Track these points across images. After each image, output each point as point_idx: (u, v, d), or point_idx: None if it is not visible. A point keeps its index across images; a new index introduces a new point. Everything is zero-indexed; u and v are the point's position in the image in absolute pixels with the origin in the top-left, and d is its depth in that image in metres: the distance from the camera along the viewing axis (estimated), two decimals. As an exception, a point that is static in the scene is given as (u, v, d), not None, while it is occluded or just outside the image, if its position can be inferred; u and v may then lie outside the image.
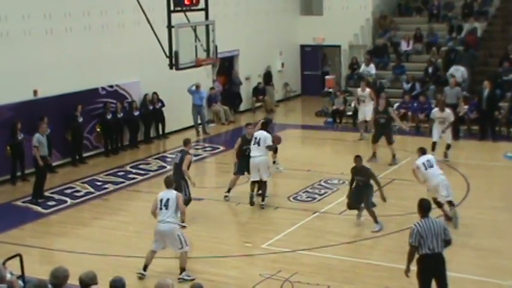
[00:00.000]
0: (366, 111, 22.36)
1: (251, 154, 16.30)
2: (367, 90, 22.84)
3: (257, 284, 11.95)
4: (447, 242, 10.10)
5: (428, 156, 14.81)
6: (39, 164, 17.23)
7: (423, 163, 14.45)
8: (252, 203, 16.21)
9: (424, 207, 10.17)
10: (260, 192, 16.41)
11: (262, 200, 16.28)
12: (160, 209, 12.19)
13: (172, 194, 12.28)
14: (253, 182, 16.34)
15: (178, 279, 12.02)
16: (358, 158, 14.74)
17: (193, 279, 11.68)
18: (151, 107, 22.76)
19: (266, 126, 17.36)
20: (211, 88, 25.87)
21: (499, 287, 10.46)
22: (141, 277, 12.28)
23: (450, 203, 14.43)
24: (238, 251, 13.57)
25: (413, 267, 10.30)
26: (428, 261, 9.97)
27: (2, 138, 18.30)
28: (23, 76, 18.97)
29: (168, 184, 12.57)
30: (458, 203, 15.91)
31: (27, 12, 19.15)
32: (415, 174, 14.67)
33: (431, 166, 14.41)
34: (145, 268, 12.37)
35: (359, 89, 23.22)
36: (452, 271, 11.63)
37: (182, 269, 12.20)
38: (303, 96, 31.31)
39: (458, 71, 25.06)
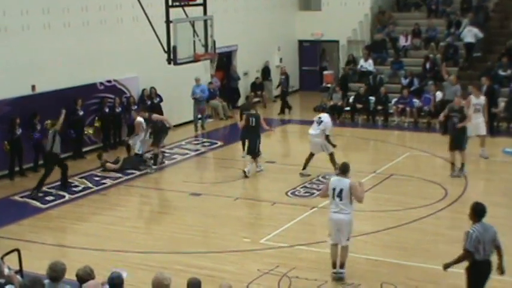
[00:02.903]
0: (480, 124, 19.27)
1: (309, 131, 17.96)
2: (482, 97, 19.57)
3: (255, 279, 11.95)
4: (497, 248, 9.53)
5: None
6: (51, 157, 17.36)
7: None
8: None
9: (479, 212, 9.50)
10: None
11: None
12: (333, 198, 11.71)
13: (345, 183, 11.63)
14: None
15: (334, 273, 11.82)
16: None
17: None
18: (149, 102, 22.72)
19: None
20: (210, 83, 25.85)
21: (499, 283, 10.46)
22: (336, 275, 11.87)
23: None
24: (236, 246, 13.57)
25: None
26: (483, 268, 9.46)
27: (0, 134, 18.26)
28: (21, 71, 18.95)
29: (345, 170, 11.87)
30: (456, 198, 15.95)
31: (25, 8, 19.12)
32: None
33: None
34: (334, 265, 11.93)
35: (472, 96, 19.56)
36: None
37: (342, 264, 11.90)
38: (301, 92, 31.32)
39: (471, 32, 25.25)
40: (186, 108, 24.22)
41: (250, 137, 18.75)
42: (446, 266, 9.83)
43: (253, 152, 18.62)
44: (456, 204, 15.52)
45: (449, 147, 17.89)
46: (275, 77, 28.99)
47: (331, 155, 17.88)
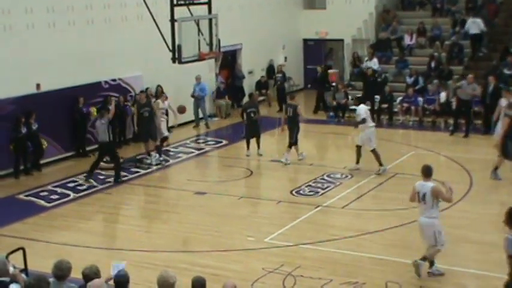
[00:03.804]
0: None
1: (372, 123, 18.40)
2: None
3: (260, 278, 11.95)
4: None
5: None
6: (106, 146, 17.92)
7: None
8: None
9: None
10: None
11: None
12: (419, 201, 11.65)
13: (428, 187, 11.48)
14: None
15: (428, 272, 11.77)
16: None
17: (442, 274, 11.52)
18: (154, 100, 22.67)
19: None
20: (222, 82, 25.98)
21: (502, 282, 10.43)
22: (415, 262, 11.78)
23: None
24: (240, 245, 13.57)
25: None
26: None
27: (5, 132, 18.28)
28: (26, 70, 18.97)
29: (427, 173, 11.71)
30: (461, 197, 15.91)
31: (30, 6, 19.14)
32: None
33: None
34: (432, 264, 11.79)
35: (503, 99, 19.10)
36: (455, 265, 11.65)
37: (431, 262, 11.81)
38: (306, 90, 31.29)
39: (475, 23, 25.35)
40: (191, 107, 24.21)
41: (289, 126, 19.33)
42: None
43: (294, 141, 19.20)
44: (461, 203, 15.48)
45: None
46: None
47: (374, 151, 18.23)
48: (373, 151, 18.16)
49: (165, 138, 20.32)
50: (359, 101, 19.08)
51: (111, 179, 18.27)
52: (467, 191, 16.49)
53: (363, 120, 18.17)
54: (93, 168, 18.14)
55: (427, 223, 11.56)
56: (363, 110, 18.38)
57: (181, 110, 19.24)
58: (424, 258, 11.71)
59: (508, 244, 9.22)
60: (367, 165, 18.74)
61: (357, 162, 18.45)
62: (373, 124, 18.49)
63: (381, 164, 18.13)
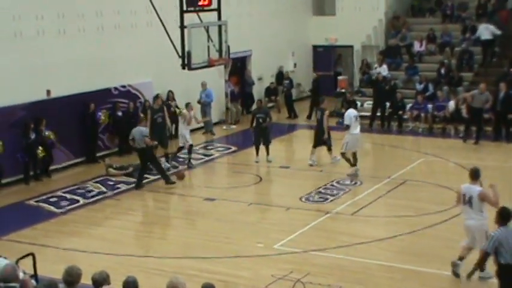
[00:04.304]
0: None
1: (356, 131, 18.52)
2: None
3: (269, 285, 11.93)
4: None
5: None
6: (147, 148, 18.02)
7: None
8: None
9: (504, 216, 9.78)
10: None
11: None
12: (464, 204, 11.55)
13: (475, 191, 11.40)
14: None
15: (453, 261, 11.79)
16: None
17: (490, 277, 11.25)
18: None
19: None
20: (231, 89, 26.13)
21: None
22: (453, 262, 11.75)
23: None
24: (250, 251, 13.55)
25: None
26: (508, 271, 9.56)
27: (15, 138, 18.35)
28: (36, 76, 19.05)
29: (474, 176, 11.60)
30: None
31: (40, 13, 19.22)
32: None
33: None
34: (460, 258, 11.77)
35: None
36: (463, 271, 11.58)
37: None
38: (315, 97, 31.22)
39: (488, 29, 25.37)
40: (199, 113, 24.23)
41: (316, 129, 19.92)
42: (469, 275, 10.04)
43: (325, 142, 19.59)
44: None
45: None
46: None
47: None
48: (343, 155, 18.62)
49: (182, 148, 20.30)
50: (349, 105, 19.12)
51: (120, 186, 18.31)
52: (477, 198, 16.39)
53: (347, 127, 18.43)
54: (142, 178, 18.19)
55: (476, 225, 11.46)
56: (348, 116, 18.55)
57: (181, 176, 19.02)
58: (461, 258, 11.69)
59: (487, 240, 9.72)
60: (377, 172, 18.74)
61: (354, 164, 18.69)
62: (356, 132, 18.57)
63: (354, 165, 18.62)
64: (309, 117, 26.66)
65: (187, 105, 20.59)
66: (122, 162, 20.13)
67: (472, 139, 21.92)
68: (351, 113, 18.64)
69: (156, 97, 21.02)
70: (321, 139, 19.65)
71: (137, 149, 18.19)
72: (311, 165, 19.54)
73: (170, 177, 18.21)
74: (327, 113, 19.62)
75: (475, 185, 11.52)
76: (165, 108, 20.39)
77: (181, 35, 16.65)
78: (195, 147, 21.22)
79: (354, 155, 18.70)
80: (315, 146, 19.80)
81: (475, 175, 11.61)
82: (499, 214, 9.83)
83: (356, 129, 18.56)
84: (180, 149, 20.35)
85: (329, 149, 19.80)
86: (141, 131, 18.00)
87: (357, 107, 23.97)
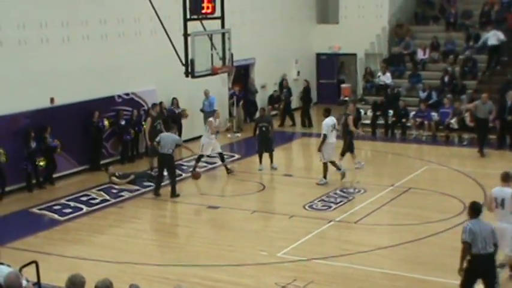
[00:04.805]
0: None
1: (333, 140, 18.57)
2: None
3: (272, 293, 11.91)
4: (495, 245, 10.28)
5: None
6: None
7: None
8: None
9: (475, 210, 10.36)
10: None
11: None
12: (497, 207, 11.68)
13: (507, 193, 11.53)
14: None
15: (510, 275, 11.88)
16: None
17: None
18: (168, 113, 22.71)
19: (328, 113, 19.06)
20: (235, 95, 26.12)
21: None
22: None
23: None
24: (253, 259, 13.53)
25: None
26: (478, 260, 10.16)
27: (19, 146, 18.36)
28: (40, 84, 19.08)
29: (506, 178, 11.67)
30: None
31: (44, 20, 19.26)
32: None
33: None
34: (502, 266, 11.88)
35: None
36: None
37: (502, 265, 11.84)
38: (319, 105, 31.24)
39: (496, 35, 25.56)
40: (201, 122, 24.24)
41: (343, 135, 19.93)
42: (460, 270, 10.33)
43: (348, 148, 19.72)
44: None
45: None
46: (293, 90, 28.97)
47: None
48: (325, 164, 18.55)
49: (220, 155, 20.28)
50: (328, 113, 19.06)
51: (124, 193, 18.32)
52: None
53: (324, 136, 18.42)
54: (160, 183, 18.17)
55: (509, 228, 11.55)
56: (326, 125, 18.61)
57: (197, 176, 18.97)
58: (501, 265, 11.70)
59: (463, 231, 10.18)
60: (380, 180, 18.71)
61: (324, 176, 18.68)
62: (333, 141, 18.60)
63: (324, 177, 18.56)
64: (303, 124, 26.89)
65: (214, 112, 20.57)
66: (125, 170, 20.12)
67: (475, 147, 21.82)
68: (329, 121, 18.68)
69: (155, 104, 21.07)
70: (350, 145, 19.77)
71: (162, 154, 18.01)
72: (342, 171, 19.29)
73: (176, 191, 18.12)
74: (351, 117, 19.79)
75: (507, 188, 11.62)
76: (165, 115, 20.39)
77: (185, 43, 16.66)
78: (195, 155, 21.20)
79: (333, 163, 18.71)
80: (343, 152, 19.84)
81: (507, 178, 11.73)
82: (471, 208, 10.39)
83: (332, 138, 18.60)
84: (200, 157, 20.15)
85: (352, 152, 19.94)
86: (174, 139, 18.08)
87: (360, 116, 24.10)
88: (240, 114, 26.50)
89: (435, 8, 30.64)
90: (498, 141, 22.35)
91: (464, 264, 10.27)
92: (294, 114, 27.53)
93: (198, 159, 20.13)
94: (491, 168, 19.89)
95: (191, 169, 20.02)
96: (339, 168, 18.70)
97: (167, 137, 18.02)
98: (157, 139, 18.16)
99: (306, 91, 27.83)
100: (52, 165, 19.25)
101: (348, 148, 19.84)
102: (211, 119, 20.33)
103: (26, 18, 18.76)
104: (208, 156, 20.37)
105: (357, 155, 20.27)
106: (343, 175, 18.65)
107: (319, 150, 18.59)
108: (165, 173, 18.28)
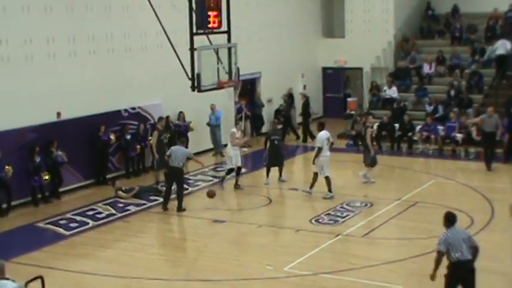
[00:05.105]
0: None
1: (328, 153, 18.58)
2: None
3: (279, 308, 11.85)
4: (474, 249, 10.65)
5: None
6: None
7: None
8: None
9: (450, 219, 10.77)
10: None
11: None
12: None
13: None
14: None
15: None
16: None
17: None
18: (176, 127, 22.72)
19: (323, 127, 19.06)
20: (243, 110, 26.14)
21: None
22: None
23: None
24: (259, 273, 13.48)
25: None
26: (457, 267, 10.56)
27: (26, 160, 18.37)
28: (47, 98, 19.13)
29: None
30: (483, 226, 15.74)
31: (51, 36, 19.32)
32: None
33: None
34: None
35: None
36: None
37: None
38: (325, 119, 31.19)
39: (504, 45, 25.67)
40: (208, 136, 24.28)
41: (364, 147, 20.21)
42: (432, 276, 10.82)
43: (371, 160, 19.89)
44: (482, 232, 15.31)
45: None
46: (299, 104, 29.02)
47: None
48: (326, 178, 18.55)
49: (238, 169, 20.12)
50: (322, 127, 19.08)
51: (130, 208, 18.31)
52: (488, 220, 16.31)
53: (319, 149, 18.41)
54: (168, 197, 18.13)
55: None
56: (321, 138, 18.62)
57: (211, 195, 18.88)
58: None
59: (438, 241, 10.64)
60: (387, 193, 18.65)
61: (311, 187, 18.81)
62: (327, 154, 18.60)
63: (329, 190, 18.54)
64: (304, 140, 27.04)
65: (237, 124, 20.62)
66: (131, 184, 20.12)
67: (481, 160, 21.74)
68: (323, 135, 18.69)
69: (161, 118, 21.11)
70: (368, 157, 19.85)
71: (173, 167, 17.99)
72: (365, 182, 19.69)
73: (183, 205, 18.08)
74: (369, 130, 20.07)
75: None
76: (172, 128, 20.40)
77: (191, 57, 16.71)
78: (205, 168, 21.23)
79: (316, 176, 18.74)
80: (367, 164, 19.97)
81: None
82: (446, 218, 10.79)
83: (327, 151, 18.61)
84: (230, 171, 20.12)
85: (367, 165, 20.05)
86: (184, 152, 18.10)
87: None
88: (247, 129, 26.46)
89: (440, 23, 30.68)
90: (505, 155, 22.25)
91: (446, 271, 10.61)
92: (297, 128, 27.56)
93: (229, 172, 20.11)
94: (498, 182, 19.85)
95: (220, 180, 20.19)
96: (330, 190, 18.62)
97: (177, 150, 18.02)
98: (168, 153, 18.16)
99: (305, 106, 27.80)
100: (58, 180, 19.27)
101: (371, 160, 19.95)
102: (234, 130, 20.18)
103: (32, 34, 18.83)
104: (238, 168, 20.12)
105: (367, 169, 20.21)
106: (331, 197, 18.52)
107: (314, 162, 18.59)
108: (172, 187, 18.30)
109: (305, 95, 28.25)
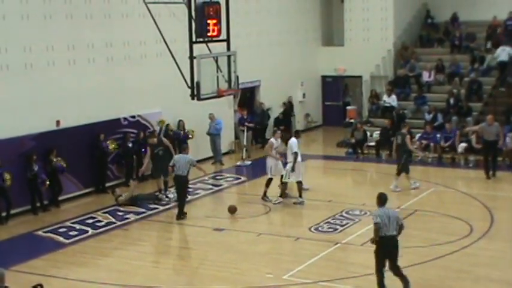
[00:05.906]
0: None
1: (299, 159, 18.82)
2: None
3: (278, 316, 11.84)
4: (400, 227, 12.21)
5: None
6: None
7: None
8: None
9: (382, 200, 12.24)
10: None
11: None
12: None
13: None
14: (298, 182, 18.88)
15: None
16: None
17: None
18: (173, 134, 22.70)
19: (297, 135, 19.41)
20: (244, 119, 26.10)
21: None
22: None
23: None
24: (259, 282, 13.47)
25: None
26: (383, 241, 11.99)
27: (25, 168, 18.36)
28: (46, 106, 19.14)
29: None
30: (482, 235, 15.73)
31: (51, 44, 19.35)
32: None
33: None
34: None
35: None
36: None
37: None
38: (324, 127, 31.30)
39: (505, 51, 25.77)
40: (209, 144, 24.30)
41: (398, 154, 20.20)
42: (372, 239, 12.20)
43: (403, 168, 19.91)
44: (482, 240, 15.31)
45: None
46: (298, 112, 29.04)
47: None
48: (299, 183, 18.81)
49: (271, 179, 19.51)
50: (296, 134, 19.41)
51: (129, 216, 18.30)
52: (488, 228, 16.30)
53: (295, 154, 18.51)
54: (183, 205, 18.08)
55: None
56: (294, 144, 18.71)
57: (232, 210, 18.76)
58: None
59: (373, 216, 12.09)
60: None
61: (300, 195, 18.92)
62: (300, 159, 18.93)
63: (300, 196, 18.76)
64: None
65: (275, 132, 20.40)
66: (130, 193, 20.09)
67: (481, 168, 21.73)
68: (295, 140, 18.85)
69: (151, 133, 21.20)
70: (405, 165, 19.91)
71: (177, 176, 18.03)
72: (394, 191, 19.51)
73: (182, 213, 18.06)
74: (408, 137, 20.23)
75: None
76: (164, 141, 20.21)
77: (191, 66, 16.73)
78: (205, 177, 21.21)
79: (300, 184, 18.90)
80: (399, 172, 19.96)
81: None
82: (379, 198, 12.25)
83: (299, 156, 18.86)
84: (269, 180, 19.48)
85: (407, 173, 20.04)
86: (188, 159, 18.05)
87: (366, 138, 24.09)
88: (249, 141, 26.21)
89: (440, 31, 30.76)
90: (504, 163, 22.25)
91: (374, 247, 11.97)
92: (307, 136, 27.52)
93: (268, 184, 19.40)
94: (498, 190, 19.85)
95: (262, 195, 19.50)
96: (300, 195, 18.78)
97: (181, 159, 18.06)
98: (171, 163, 18.22)
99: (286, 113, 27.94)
100: (58, 188, 19.27)
101: (403, 168, 19.92)
102: (272, 139, 19.75)
103: (32, 42, 18.85)
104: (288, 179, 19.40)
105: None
106: (301, 203, 18.68)
107: (293, 169, 18.60)
108: (175, 194, 18.34)
109: (286, 103, 28.24)
